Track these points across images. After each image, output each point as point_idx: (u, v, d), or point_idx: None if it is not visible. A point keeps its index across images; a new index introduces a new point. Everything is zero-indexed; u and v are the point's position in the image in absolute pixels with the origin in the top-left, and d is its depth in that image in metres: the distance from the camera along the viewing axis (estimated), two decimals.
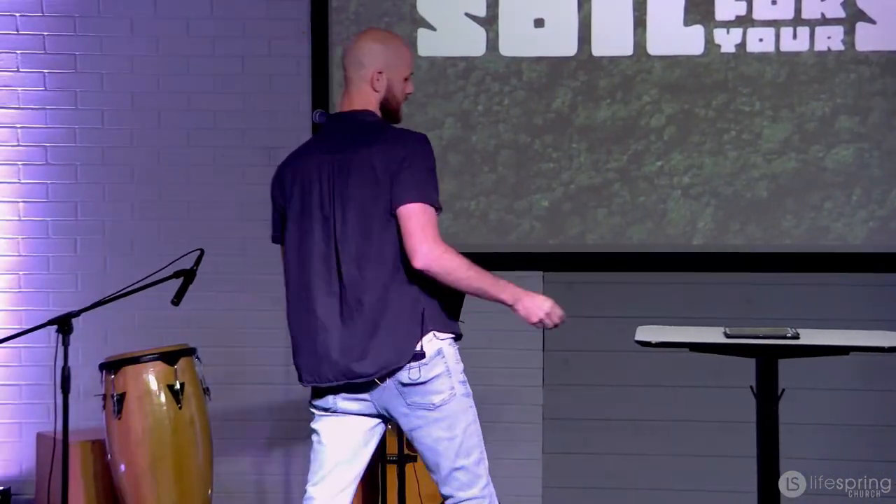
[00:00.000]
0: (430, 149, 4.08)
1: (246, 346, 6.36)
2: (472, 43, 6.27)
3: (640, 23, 6.16)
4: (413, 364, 4.04)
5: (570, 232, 6.28)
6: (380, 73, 4.16)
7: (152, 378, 5.51)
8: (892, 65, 6.00)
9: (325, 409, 4.17)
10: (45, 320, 5.18)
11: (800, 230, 6.11)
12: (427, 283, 4.04)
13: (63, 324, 5.05)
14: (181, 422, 5.51)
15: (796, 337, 4.15)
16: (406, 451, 5.57)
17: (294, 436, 6.39)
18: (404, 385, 4.07)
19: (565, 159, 6.27)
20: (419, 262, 3.98)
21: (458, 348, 4.16)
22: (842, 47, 6.04)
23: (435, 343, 4.07)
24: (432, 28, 6.30)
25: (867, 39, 6.00)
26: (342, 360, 4.06)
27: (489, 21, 6.26)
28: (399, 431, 5.30)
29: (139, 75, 6.37)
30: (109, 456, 5.57)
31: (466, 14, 6.27)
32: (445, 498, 4.17)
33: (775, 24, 6.08)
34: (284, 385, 6.37)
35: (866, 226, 6.06)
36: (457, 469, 4.12)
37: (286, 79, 6.35)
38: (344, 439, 4.17)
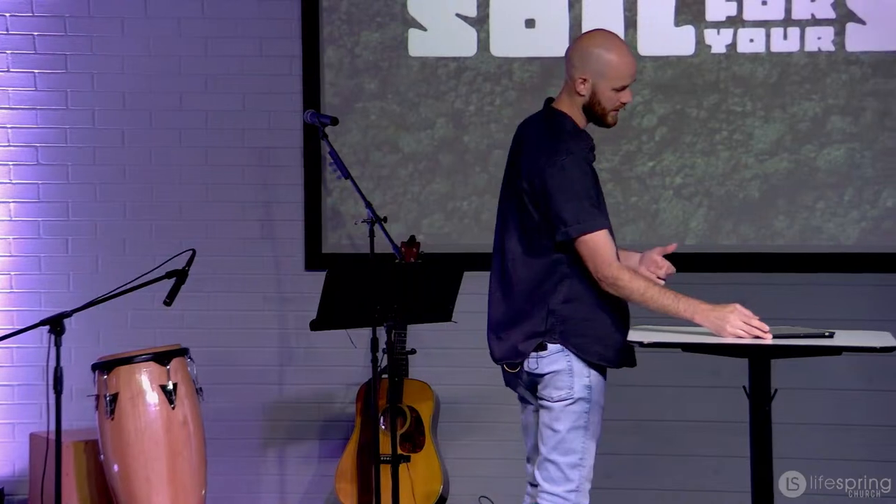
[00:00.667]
0: (566, 166, 4.14)
1: (239, 346, 6.36)
2: (463, 43, 6.28)
3: (630, 23, 6.16)
4: (534, 354, 4.23)
5: None
6: (584, 79, 4.22)
7: (145, 378, 5.51)
8: (883, 65, 6.01)
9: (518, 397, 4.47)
10: (37, 321, 5.17)
11: (792, 230, 6.12)
12: (568, 303, 4.20)
13: (55, 324, 5.05)
14: (174, 422, 5.51)
15: (831, 336, 4.16)
16: (400, 452, 5.57)
17: (288, 436, 6.39)
18: (527, 373, 4.27)
19: None
20: (604, 285, 4.17)
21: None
22: (832, 48, 6.05)
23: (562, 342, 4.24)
24: (423, 28, 6.31)
25: (858, 40, 6.01)
26: (491, 333, 4.35)
27: (480, 21, 6.26)
28: (393, 431, 5.30)
29: (130, 75, 6.37)
30: (102, 456, 5.56)
31: (457, 14, 6.27)
32: (535, 484, 4.34)
33: (766, 24, 6.09)
34: (277, 385, 6.36)
35: (859, 226, 6.07)
36: (549, 461, 4.26)
37: (278, 79, 6.34)
38: (528, 424, 4.44)
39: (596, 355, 4.24)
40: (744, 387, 4.47)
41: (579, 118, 4.28)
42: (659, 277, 4.33)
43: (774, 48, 6.09)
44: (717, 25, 6.12)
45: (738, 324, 4.10)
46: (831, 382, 5.98)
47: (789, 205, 6.12)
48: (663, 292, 4.15)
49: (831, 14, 6.04)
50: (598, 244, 4.13)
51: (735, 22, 6.10)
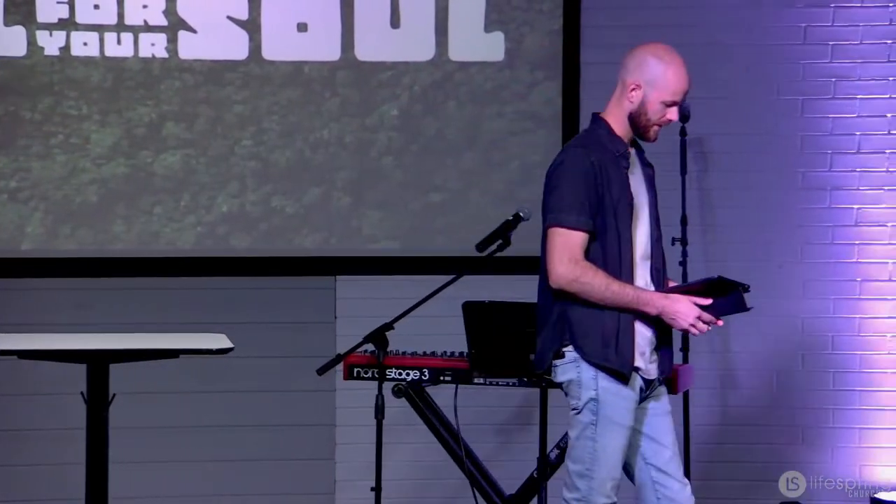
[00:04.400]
0: (564, 166, 4.12)
1: None
2: None
3: None
4: (555, 361, 4.17)
5: None
6: (637, 86, 4.13)
7: None
8: (214, 73, 6.17)
9: None
10: None
11: (131, 235, 6.15)
12: (568, 302, 4.11)
13: None
14: None
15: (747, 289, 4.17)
16: None
17: None
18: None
19: None
20: (551, 282, 4.10)
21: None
22: (166, 54, 6.13)
23: (575, 352, 4.16)
24: None
25: (190, 48, 6.13)
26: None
27: None
28: None
29: None
30: None
31: None
32: None
33: (99, 28, 6.08)
34: None
35: (195, 230, 6.19)
36: (568, 467, 4.22)
37: None
38: None
39: (595, 352, 4.13)
40: (81, 393, 4.45)
41: (620, 125, 4.18)
42: None
43: (109, 53, 6.08)
44: (50, 27, 6.04)
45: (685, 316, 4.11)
46: (168, 385, 6.04)
47: (128, 209, 6.14)
48: (623, 290, 4.12)
49: (164, 21, 6.12)
50: (563, 238, 4.08)
51: (68, 25, 6.04)
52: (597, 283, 4.06)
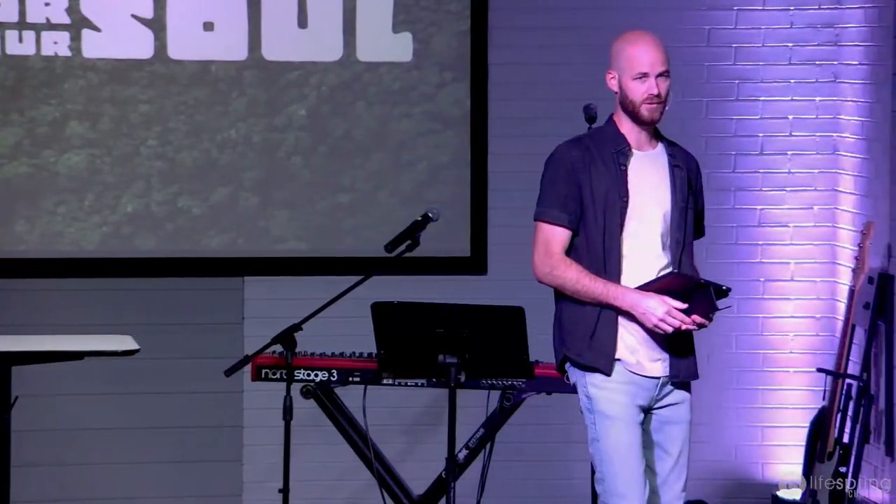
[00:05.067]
0: (550, 161, 4.22)
1: None
2: None
3: None
4: (566, 365, 4.25)
5: None
6: (612, 75, 4.22)
7: None
8: (119, 72, 6.12)
9: None
10: None
11: (34, 235, 6.09)
12: (560, 301, 4.21)
13: None
14: None
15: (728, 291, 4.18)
16: None
17: None
18: None
19: None
20: (534, 275, 4.21)
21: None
22: (70, 53, 6.07)
23: None
24: None
25: (94, 46, 6.06)
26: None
27: None
28: None
29: None
30: None
31: None
32: None
33: (0, 26, 6.01)
34: None
35: (100, 231, 6.14)
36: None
37: None
38: None
39: (583, 355, 4.17)
40: None
41: (624, 121, 4.24)
42: None
43: (10, 51, 6.02)
44: None
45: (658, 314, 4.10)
46: (73, 387, 5.99)
47: (30, 209, 6.08)
48: (594, 283, 4.15)
49: (66, 19, 6.06)
50: (541, 232, 4.18)
51: None
52: (569, 276, 4.14)
